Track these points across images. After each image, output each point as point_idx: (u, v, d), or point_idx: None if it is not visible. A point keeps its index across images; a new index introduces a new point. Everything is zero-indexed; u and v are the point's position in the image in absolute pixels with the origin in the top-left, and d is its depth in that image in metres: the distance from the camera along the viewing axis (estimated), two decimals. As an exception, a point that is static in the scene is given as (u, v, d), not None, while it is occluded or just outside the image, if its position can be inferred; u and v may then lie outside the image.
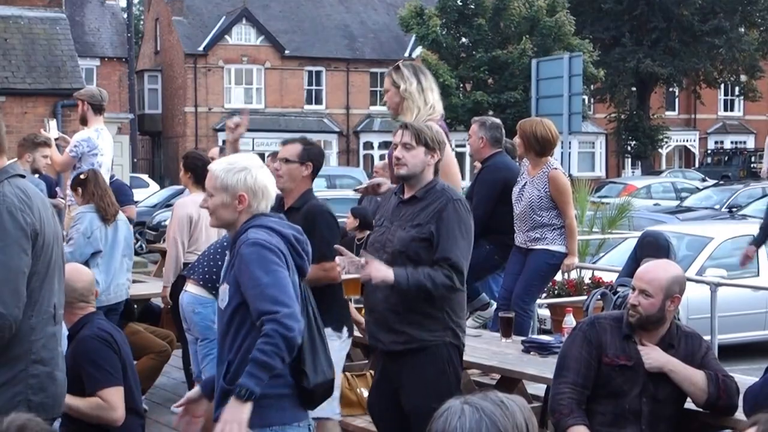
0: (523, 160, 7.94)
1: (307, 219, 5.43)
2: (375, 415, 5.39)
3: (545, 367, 5.59)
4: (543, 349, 6.15)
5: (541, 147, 7.60)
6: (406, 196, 5.06)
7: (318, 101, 48.31)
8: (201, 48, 45.53)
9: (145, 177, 37.23)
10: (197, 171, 8.12)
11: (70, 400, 4.54)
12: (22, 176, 4.01)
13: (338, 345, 5.54)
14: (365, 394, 6.35)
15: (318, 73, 48.16)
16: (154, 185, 35.35)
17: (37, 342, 3.88)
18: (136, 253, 21.04)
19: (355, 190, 6.64)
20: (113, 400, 4.96)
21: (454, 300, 4.98)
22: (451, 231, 4.87)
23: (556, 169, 7.65)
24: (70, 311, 4.85)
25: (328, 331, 5.49)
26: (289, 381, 4.02)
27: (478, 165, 8.52)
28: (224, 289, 4.03)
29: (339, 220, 6.31)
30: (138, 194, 30.07)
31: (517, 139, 7.86)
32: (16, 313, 3.75)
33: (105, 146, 9.23)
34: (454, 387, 4.94)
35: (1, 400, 3.77)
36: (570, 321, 6.59)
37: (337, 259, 5.09)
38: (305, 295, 4.13)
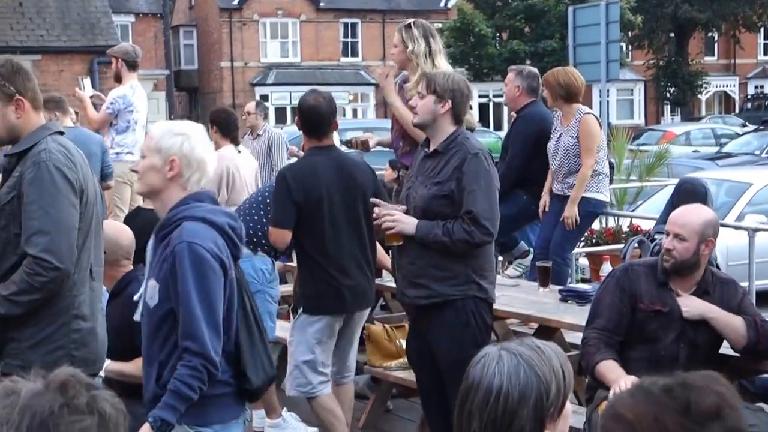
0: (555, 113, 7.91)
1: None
2: (413, 366, 5.45)
3: (583, 315, 5.57)
4: (581, 298, 6.14)
5: (566, 92, 7.58)
6: (430, 149, 5.05)
7: (354, 53, 48.15)
8: (235, 2, 45.44)
9: (182, 133, 37.34)
10: (222, 123, 8.19)
11: (116, 366, 4.60)
12: (62, 133, 4.06)
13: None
14: (404, 344, 6.38)
15: (353, 24, 47.97)
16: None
17: (79, 297, 3.95)
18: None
19: (345, 143, 6.70)
20: None
21: (478, 254, 4.95)
22: (470, 186, 4.83)
23: (588, 113, 7.63)
24: (115, 268, 4.87)
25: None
26: (230, 383, 3.78)
27: (514, 114, 8.50)
28: (153, 286, 3.69)
29: (377, 172, 6.34)
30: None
31: (544, 92, 7.83)
32: (70, 267, 3.85)
33: (140, 103, 9.28)
34: (481, 340, 4.95)
35: (44, 354, 3.83)
36: (607, 269, 6.59)
37: (375, 208, 5.13)
38: (241, 292, 3.82)
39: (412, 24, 6.27)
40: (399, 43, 6.27)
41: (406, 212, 5.01)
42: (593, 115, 7.74)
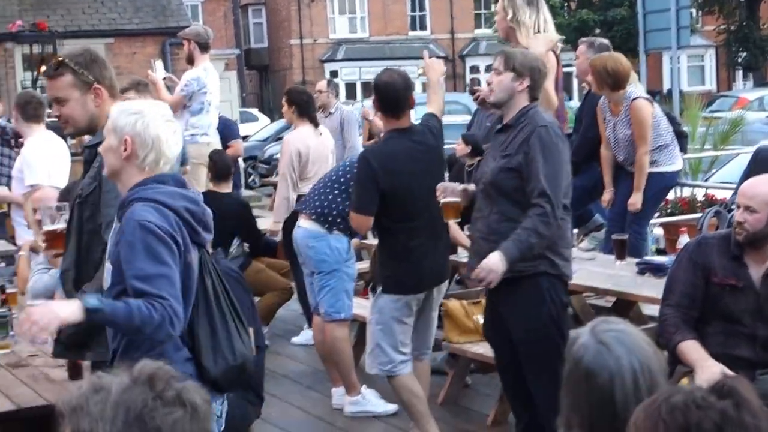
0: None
1: None
2: (490, 342, 5.48)
3: (660, 288, 5.52)
4: (658, 270, 6.09)
5: (613, 80, 7.46)
6: (504, 122, 5.06)
7: (422, 27, 47.93)
8: (303, -21, 45.52)
9: (254, 111, 37.63)
10: (300, 104, 8.23)
11: None
12: None
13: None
14: (481, 320, 6.40)
15: (421, -2, 47.78)
16: (264, 119, 35.71)
17: None
18: (250, 187, 21.46)
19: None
20: None
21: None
22: (537, 160, 4.80)
23: (636, 98, 7.51)
24: None
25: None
26: (189, 371, 3.52)
27: (586, 86, 8.43)
28: (108, 269, 3.61)
29: (449, 146, 6.34)
30: (248, 128, 30.47)
31: (589, 77, 7.73)
32: None
33: (212, 84, 9.37)
34: (557, 316, 4.97)
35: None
36: (684, 241, 6.52)
37: (438, 185, 5.17)
38: (204, 277, 3.64)
39: None
40: (501, 11, 6.23)
41: (477, 187, 5.05)
42: (642, 97, 7.61)
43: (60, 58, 4.03)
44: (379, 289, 5.73)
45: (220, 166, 8.39)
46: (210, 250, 3.70)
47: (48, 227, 4.76)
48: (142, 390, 1.82)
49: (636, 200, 7.56)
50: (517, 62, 4.96)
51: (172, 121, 3.66)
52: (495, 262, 4.77)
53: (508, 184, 4.89)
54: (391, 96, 5.62)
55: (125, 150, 3.53)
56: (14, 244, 8.40)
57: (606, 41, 8.21)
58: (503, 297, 5.04)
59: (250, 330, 3.89)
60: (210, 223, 3.64)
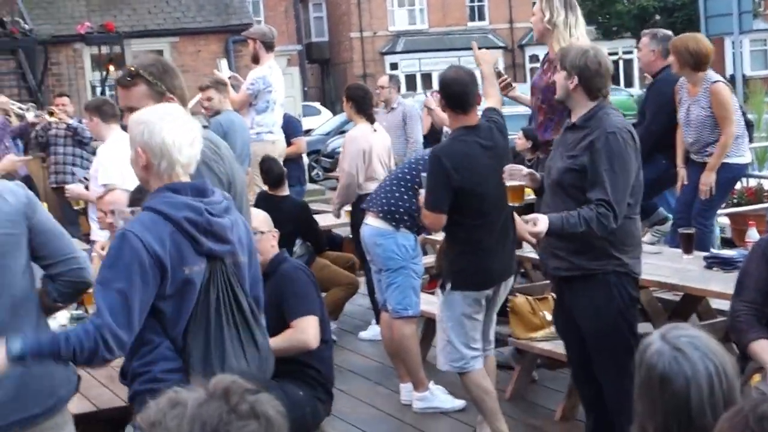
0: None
1: None
2: (562, 338, 5.49)
3: (729, 283, 5.49)
4: (726, 264, 6.04)
5: (695, 60, 7.42)
6: (571, 121, 5.07)
7: (481, 17, 47.82)
8: (359, -28, 45.61)
9: (316, 105, 37.80)
10: (358, 100, 8.29)
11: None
12: (206, 126, 4.20)
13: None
14: (548, 317, 6.42)
15: (480, -12, 47.64)
16: (326, 112, 35.86)
17: None
18: (313, 181, 21.58)
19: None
20: (305, 325, 5.07)
21: (617, 230, 4.88)
22: (602, 167, 4.78)
23: (716, 81, 7.47)
24: (265, 252, 5.07)
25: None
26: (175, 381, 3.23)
27: (648, 77, 8.40)
28: None
29: (510, 137, 6.34)
30: (311, 122, 30.62)
31: (671, 58, 7.69)
32: None
33: (277, 82, 9.48)
34: (627, 313, 4.97)
35: None
36: (753, 235, 6.48)
37: (504, 168, 5.19)
38: (209, 290, 3.51)
39: None
40: (538, 12, 6.23)
41: (545, 180, 5.07)
42: (722, 81, 7.58)
43: (133, 68, 4.09)
44: (449, 286, 5.73)
45: (272, 175, 8.51)
46: (236, 260, 3.58)
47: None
48: (218, 404, 1.84)
49: (708, 180, 7.50)
50: (568, 61, 4.96)
51: (183, 123, 3.59)
52: (540, 225, 4.77)
53: (573, 183, 4.90)
54: (458, 92, 5.61)
55: (142, 160, 3.56)
56: (88, 241, 8.58)
57: (669, 32, 8.16)
58: (572, 294, 5.05)
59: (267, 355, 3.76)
60: (224, 233, 3.52)
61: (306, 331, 5.10)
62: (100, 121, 7.74)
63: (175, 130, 3.54)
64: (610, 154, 4.80)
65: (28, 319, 3.58)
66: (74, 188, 8.28)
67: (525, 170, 5.13)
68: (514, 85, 6.83)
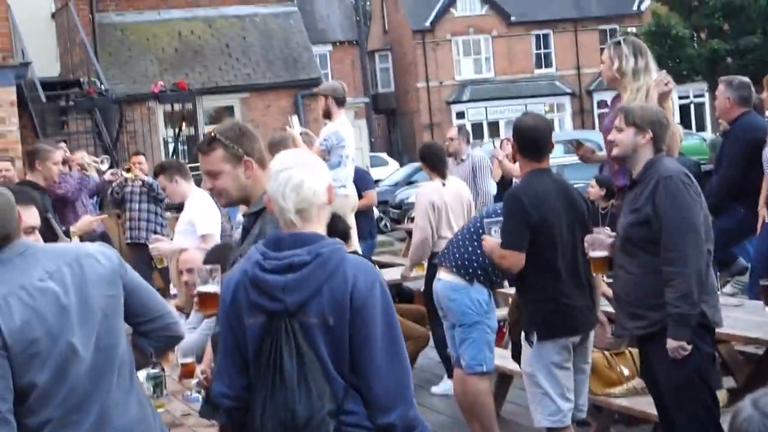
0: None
1: None
2: (648, 389, 5.42)
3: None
4: (811, 317, 5.93)
5: None
6: (633, 179, 5.07)
7: (547, 64, 47.87)
8: (428, 23, 45.91)
9: (383, 155, 38.03)
10: (429, 159, 8.38)
11: None
12: None
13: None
14: (625, 372, 6.36)
15: (545, 36, 47.69)
16: (393, 163, 36.05)
17: None
18: (381, 232, 21.66)
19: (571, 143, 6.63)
20: None
21: None
22: (665, 214, 4.78)
23: None
24: None
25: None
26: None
27: (724, 124, 8.33)
28: None
29: (579, 185, 6.33)
30: (378, 173, 30.77)
31: (764, 94, 7.64)
32: None
33: (349, 138, 9.57)
34: (702, 367, 4.90)
35: None
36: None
37: (585, 238, 5.18)
38: (279, 342, 3.37)
39: (622, 41, 6.22)
40: (607, 59, 6.23)
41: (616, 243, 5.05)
42: None
43: (212, 134, 4.17)
44: (534, 338, 5.60)
45: (337, 232, 8.55)
46: (301, 320, 3.35)
47: (201, 288, 4.93)
48: None
49: None
50: (637, 117, 4.97)
51: (285, 170, 3.44)
52: (675, 346, 4.79)
53: (642, 237, 4.89)
54: (535, 139, 5.60)
55: (269, 206, 3.52)
56: (164, 296, 8.68)
57: (746, 79, 8.11)
58: (651, 350, 5.01)
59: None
60: (272, 291, 3.35)
61: None
62: (182, 179, 7.92)
63: (275, 180, 3.45)
64: (671, 200, 4.80)
65: (129, 379, 3.64)
66: (162, 245, 8.34)
67: (608, 240, 5.11)
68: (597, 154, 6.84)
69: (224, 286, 3.50)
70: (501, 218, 5.69)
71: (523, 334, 5.70)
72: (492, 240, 5.68)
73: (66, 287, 3.47)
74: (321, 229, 3.47)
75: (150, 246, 8.46)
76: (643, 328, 4.99)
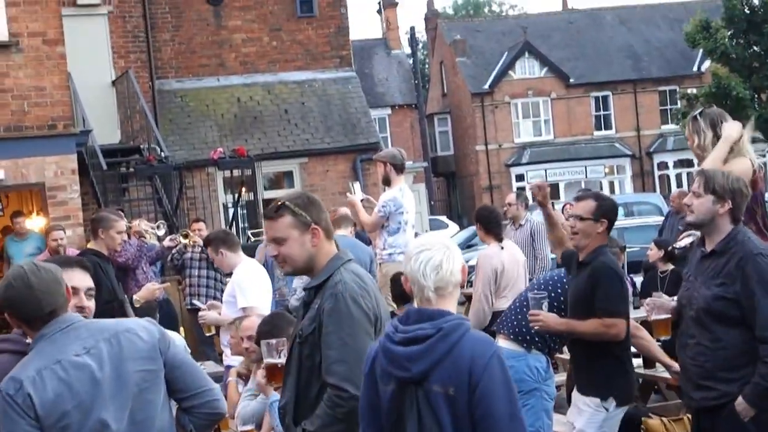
0: None
1: (592, 275, 5.65)
2: None
3: None
4: None
5: None
6: (707, 248, 4.99)
7: (607, 126, 47.69)
8: (486, 86, 46.06)
9: (443, 218, 37.99)
10: (484, 221, 8.40)
11: None
12: (351, 259, 4.28)
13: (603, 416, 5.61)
14: (684, 439, 6.28)
15: (605, 97, 47.57)
16: (453, 226, 36.00)
17: None
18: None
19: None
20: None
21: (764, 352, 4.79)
22: (757, 294, 4.71)
23: None
24: None
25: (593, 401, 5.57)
26: None
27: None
28: None
29: (637, 249, 6.33)
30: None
31: None
32: None
33: (408, 204, 9.62)
34: None
35: None
36: None
37: (645, 301, 5.14)
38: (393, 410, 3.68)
39: (698, 115, 6.19)
40: (689, 137, 6.21)
41: (685, 312, 4.99)
42: None
43: (280, 201, 4.22)
44: (613, 404, 5.60)
45: (396, 293, 8.58)
46: (428, 389, 3.57)
47: (269, 360, 4.99)
48: None
49: None
50: (718, 184, 4.91)
51: (425, 251, 3.68)
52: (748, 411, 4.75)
53: (726, 312, 4.82)
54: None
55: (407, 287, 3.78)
56: (220, 360, 8.74)
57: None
58: (716, 419, 4.92)
59: None
60: (399, 361, 3.59)
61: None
62: (228, 251, 7.98)
63: (421, 258, 3.66)
64: (762, 279, 4.74)
65: None
66: (209, 315, 8.48)
67: (671, 303, 5.08)
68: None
69: (369, 356, 3.73)
70: (545, 294, 5.79)
71: (585, 397, 5.65)
72: (552, 315, 5.73)
73: (102, 362, 3.55)
74: (453, 306, 3.70)
75: (199, 314, 8.56)
76: (712, 400, 4.91)
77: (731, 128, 5.94)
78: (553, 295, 6.82)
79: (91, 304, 4.18)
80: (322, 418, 4.00)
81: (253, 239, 16.93)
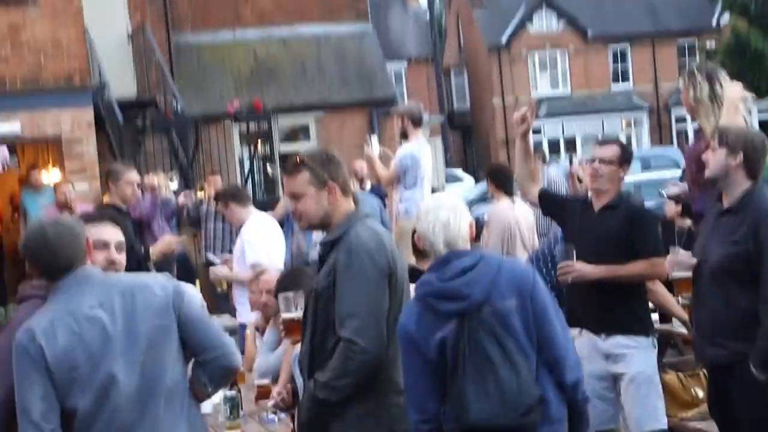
0: None
1: (628, 217, 5.59)
2: (716, 422, 5.35)
3: None
4: None
5: None
6: (724, 206, 4.97)
7: (625, 79, 47.42)
8: (503, 39, 45.80)
9: (459, 172, 37.97)
10: (496, 178, 8.40)
11: None
12: (368, 215, 4.31)
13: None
14: (700, 394, 6.28)
15: (623, 50, 47.27)
16: (468, 179, 35.98)
17: (397, 373, 4.11)
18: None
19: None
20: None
21: None
22: (765, 255, 4.69)
23: None
24: None
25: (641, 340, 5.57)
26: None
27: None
28: None
29: (652, 203, 6.32)
30: (453, 189, 30.72)
31: None
32: (378, 350, 4.03)
33: (425, 158, 9.61)
34: None
35: (366, 430, 4.08)
36: None
37: (668, 258, 5.13)
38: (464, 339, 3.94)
39: (694, 69, 6.15)
40: (683, 89, 6.15)
41: (700, 269, 4.97)
42: None
43: (299, 158, 4.26)
44: (651, 339, 5.63)
45: (416, 249, 8.59)
46: (493, 308, 3.88)
47: (286, 315, 5.02)
48: None
49: None
50: (730, 138, 4.87)
51: (432, 211, 4.05)
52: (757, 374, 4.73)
53: (739, 271, 4.80)
54: None
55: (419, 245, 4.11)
56: (234, 314, 8.78)
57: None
58: (730, 377, 4.93)
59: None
60: (457, 293, 3.88)
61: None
62: (236, 205, 7.96)
63: (429, 218, 4.04)
64: None
65: (179, 407, 3.71)
66: (218, 270, 8.50)
67: (692, 260, 5.06)
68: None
69: (399, 325, 3.99)
70: (573, 243, 5.70)
71: (626, 338, 5.64)
72: (587, 264, 5.65)
73: (114, 316, 3.60)
74: None
75: (210, 270, 8.60)
76: (724, 358, 4.91)
77: (734, 90, 5.90)
78: None
79: (121, 258, 4.25)
80: (333, 371, 4.05)
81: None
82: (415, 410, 3.93)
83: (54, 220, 3.74)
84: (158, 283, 3.77)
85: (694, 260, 5.05)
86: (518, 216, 8.26)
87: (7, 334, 3.82)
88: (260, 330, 6.91)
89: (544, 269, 6.61)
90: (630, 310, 5.67)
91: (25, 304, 3.94)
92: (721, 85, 5.98)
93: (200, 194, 12.05)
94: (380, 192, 11.33)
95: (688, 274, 5.13)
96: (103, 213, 4.41)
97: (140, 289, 3.70)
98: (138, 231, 9.98)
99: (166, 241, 8.32)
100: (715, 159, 4.90)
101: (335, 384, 4.04)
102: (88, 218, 3.92)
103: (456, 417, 3.82)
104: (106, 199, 8.32)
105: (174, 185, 11.95)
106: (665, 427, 5.70)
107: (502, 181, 8.37)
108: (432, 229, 3.97)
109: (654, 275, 5.67)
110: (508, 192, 8.36)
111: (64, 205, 10.94)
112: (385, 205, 10.66)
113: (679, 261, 5.12)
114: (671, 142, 43.66)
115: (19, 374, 3.51)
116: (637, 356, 5.61)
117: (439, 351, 3.87)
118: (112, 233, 4.24)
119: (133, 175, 8.27)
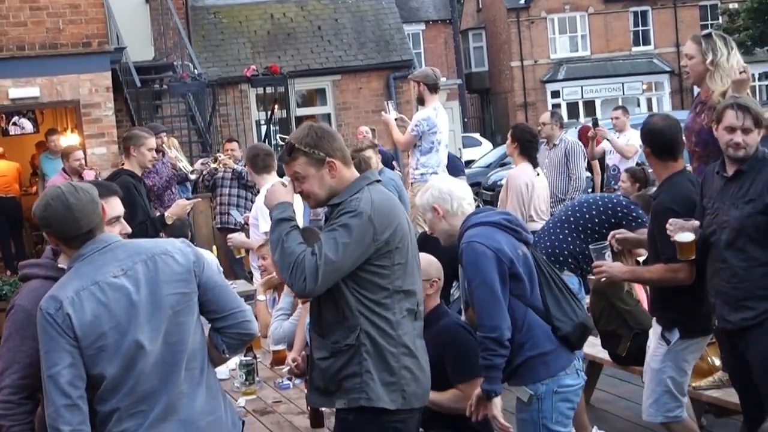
0: None
1: (653, 215, 5.48)
2: (735, 386, 5.37)
3: None
4: None
5: None
6: (730, 172, 4.95)
7: (645, 42, 47.03)
8: (522, 1, 45.50)
9: (476, 135, 37.88)
10: (524, 143, 8.31)
11: (433, 396, 4.59)
12: (378, 180, 4.29)
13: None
14: (716, 362, 6.26)
15: (644, 12, 46.85)
16: (486, 143, 35.90)
17: (404, 336, 4.14)
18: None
19: None
20: (471, 392, 4.82)
21: None
22: None
23: None
24: (427, 300, 5.07)
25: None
26: (549, 340, 4.66)
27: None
28: None
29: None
30: (471, 153, 30.64)
31: None
32: (309, 292, 4.07)
33: (442, 123, 9.58)
34: None
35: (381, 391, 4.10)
36: None
37: (670, 221, 5.06)
38: (538, 263, 4.85)
39: (713, 33, 6.08)
40: (698, 54, 6.03)
41: (714, 237, 4.95)
42: None
43: (290, 143, 4.22)
44: (676, 336, 5.44)
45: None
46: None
47: None
48: None
49: None
50: (761, 116, 4.91)
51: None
52: None
53: (759, 227, 4.81)
54: (668, 140, 5.40)
55: (438, 214, 4.92)
56: (250, 279, 8.82)
57: None
58: (749, 340, 4.93)
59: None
60: (521, 224, 4.86)
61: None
62: (253, 171, 7.95)
63: (443, 182, 5.00)
64: None
65: (199, 372, 3.73)
66: (237, 237, 8.54)
67: (694, 222, 5.02)
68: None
69: (493, 248, 4.59)
70: (607, 243, 5.59)
71: (654, 331, 5.58)
72: (617, 265, 5.61)
73: (138, 284, 3.61)
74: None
75: (228, 236, 8.64)
76: (752, 319, 4.89)
77: (740, 60, 5.90)
78: (587, 216, 6.79)
79: (126, 226, 4.27)
80: (285, 258, 4.08)
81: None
82: (504, 323, 4.51)
83: (74, 187, 3.73)
84: (178, 249, 3.78)
85: (696, 222, 5.02)
86: (535, 183, 8.22)
87: (17, 311, 3.82)
88: (265, 288, 7.05)
89: (559, 230, 6.60)
90: (667, 303, 5.52)
91: (25, 287, 3.93)
92: (733, 51, 5.95)
93: (214, 165, 12.06)
94: (386, 156, 11.34)
95: (691, 236, 5.04)
96: (110, 186, 4.38)
97: (162, 256, 3.71)
98: (151, 197, 10.01)
99: (180, 204, 8.30)
100: (753, 140, 4.89)
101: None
102: (100, 192, 3.91)
103: (568, 318, 4.67)
104: (125, 165, 8.32)
105: (191, 173, 11.98)
106: (659, 420, 5.63)
107: (525, 146, 8.29)
108: (450, 192, 4.79)
109: (674, 280, 5.29)
110: (531, 157, 8.31)
111: (74, 172, 10.95)
112: (392, 168, 10.64)
113: (680, 224, 5.06)
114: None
115: (45, 343, 3.52)
116: (651, 348, 5.63)
117: (524, 264, 4.63)
118: (120, 206, 4.29)
119: (153, 142, 8.27)
